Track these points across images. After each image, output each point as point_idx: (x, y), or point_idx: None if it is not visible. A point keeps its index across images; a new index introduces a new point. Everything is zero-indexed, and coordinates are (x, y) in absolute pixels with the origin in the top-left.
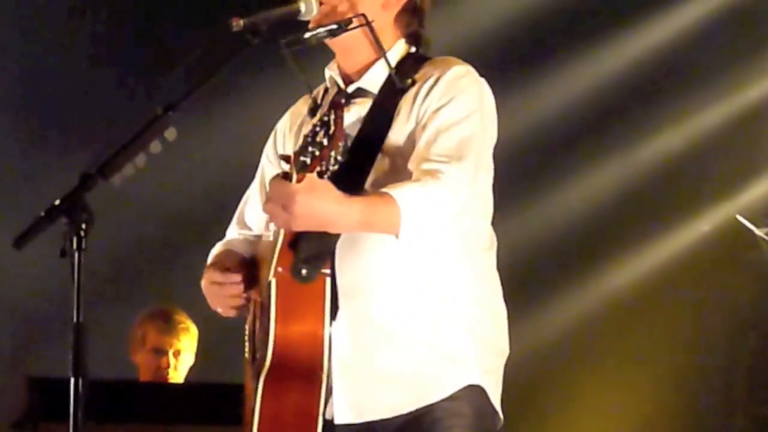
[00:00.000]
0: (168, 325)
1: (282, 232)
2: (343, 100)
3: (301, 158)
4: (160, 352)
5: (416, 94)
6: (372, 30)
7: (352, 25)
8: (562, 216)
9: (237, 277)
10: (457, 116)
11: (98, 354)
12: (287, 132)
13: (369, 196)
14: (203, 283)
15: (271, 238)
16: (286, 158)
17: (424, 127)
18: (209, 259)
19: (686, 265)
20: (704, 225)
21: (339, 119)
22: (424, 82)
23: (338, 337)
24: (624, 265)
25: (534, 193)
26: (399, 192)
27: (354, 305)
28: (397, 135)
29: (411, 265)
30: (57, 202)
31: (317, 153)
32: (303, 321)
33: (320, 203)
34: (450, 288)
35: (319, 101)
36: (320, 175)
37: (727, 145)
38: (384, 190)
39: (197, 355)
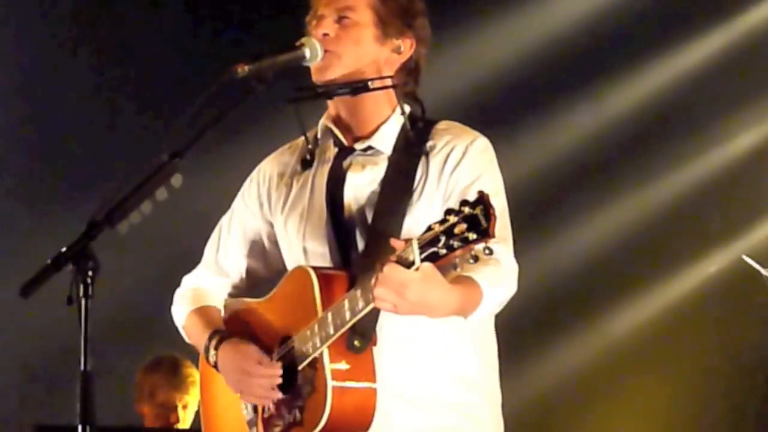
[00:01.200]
0: (177, 380)
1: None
2: (482, 194)
3: (433, 248)
4: (170, 407)
5: (443, 163)
6: (397, 92)
7: (375, 85)
8: (568, 259)
9: (276, 371)
10: (491, 192)
11: (106, 401)
12: (273, 181)
13: (462, 284)
14: (223, 358)
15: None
16: (406, 240)
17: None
18: (184, 316)
19: (692, 307)
20: (710, 266)
21: (493, 217)
22: (450, 151)
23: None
24: (629, 307)
25: (539, 236)
26: (481, 279)
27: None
28: (423, 200)
29: (422, 331)
30: (63, 249)
31: (456, 245)
32: (357, 393)
33: (431, 293)
34: (461, 350)
35: (311, 153)
36: (454, 267)
37: (731, 187)
38: (470, 275)
39: None
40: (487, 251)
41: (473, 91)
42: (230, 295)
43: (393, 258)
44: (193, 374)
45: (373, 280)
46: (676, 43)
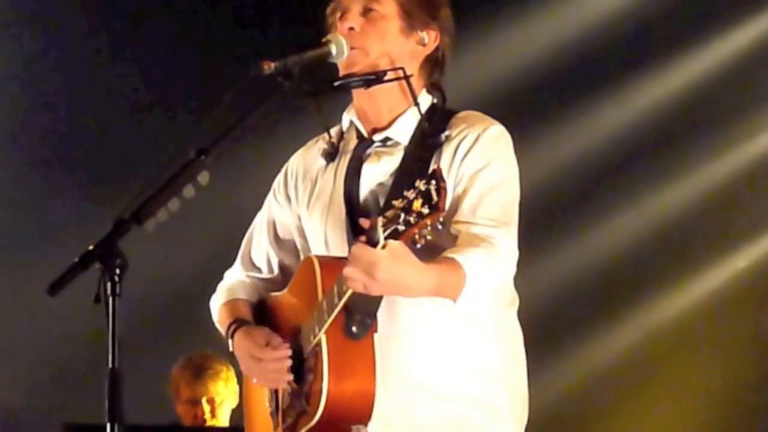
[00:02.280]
0: (196, 375)
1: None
2: (435, 168)
3: (394, 225)
4: (194, 402)
5: (455, 151)
6: (409, 84)
7: (389, 77)
8: (598, 255)
9: (283, 353)
10: (498, 179)
11: (134, 400)
12: (300, 176)
13: (440, 263)
14: (236, 345)
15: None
16: (370, 223)
17: (465, 187)
18: (217, 309)
19: (722, 302)
20: (740, 261)
21: (443, 191)
22: (462, 139)
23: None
24: (659, 304)
25: (568, 233)
26: (465, 258)
27: (390, 361)
28: None
29: (443, 322)
30: (91, 248)
31: (413, 221)
32: (355, 378)
33: (402, 270)
34: (482, 342)
35: (335, 146)
36: (413, 243)
37: (758, 183)
38: (450, 255)
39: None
40: (439, 226)
41: (494, 89)
42: (267, 291)
43: (362, 238)
44: (215, 367)
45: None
46: (701, 39)
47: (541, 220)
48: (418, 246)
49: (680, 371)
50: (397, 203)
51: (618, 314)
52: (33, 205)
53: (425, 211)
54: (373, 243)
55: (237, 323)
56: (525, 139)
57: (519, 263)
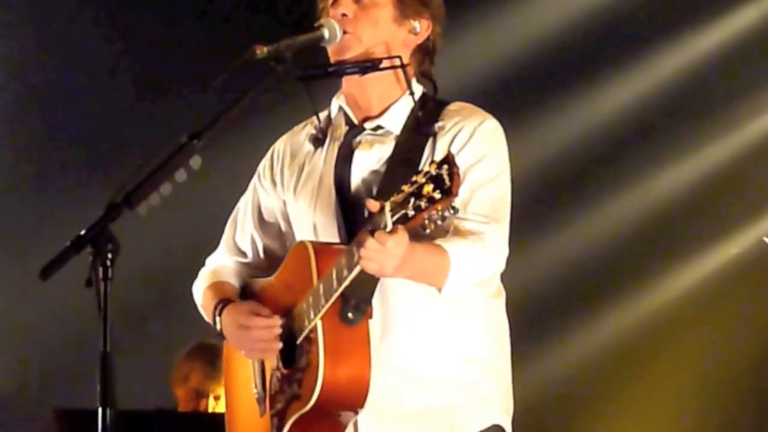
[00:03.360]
0: (213, 370)
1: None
2: (448, 153)
3: (403, 210)
4: (202, 395)
5: (450, 143)
6: (406, 73)
7: (384, 65)
8: (587, 245)
9: (273, 321)
10: (491, 174)
11: (126, 384)
12: (286, 160)
13: (426, 245)
14: (224, 321)
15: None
16: (379, 206)
17: None
18: (201, 293)
19: (715, 288)
20: (733, 248)
21: (456, 176)
22: (458, 132)
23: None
24: (651, 291)
25: (556, 223)
26: (451, 247)
27: (379, 348)
28: None
29: (432, 310)
30: (83, 232)
31: (423, 206)
32: (350, 364)
33: (403, 252)
34: (471, 331)
35: (323, 132)
36: (423, 228)
37: (750, 170)
38: (438, 242)
39: None
40: (451, 210)
41: (483, 78)
42: (250, 276)
43: (369, 225)
44: None
45: (355, 247)
46: (691, 26)
47: (530, 209)
48: (427, 231)
49: (672, 359)
50: (405, 187)
51: (609, 302)
52: (25, 190)
53: (437, 195)
54: (379, 226)
55: (224, 302)
56: (513, 127)
57: (509, 252)
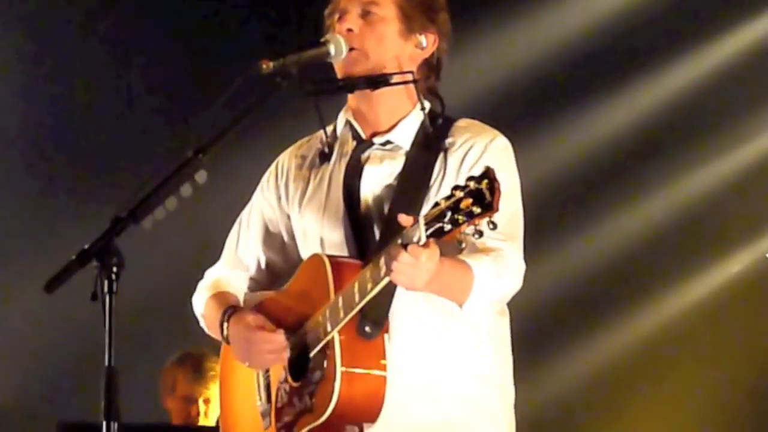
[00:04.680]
0: (198, 374)
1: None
2: (488, 168)
3: (438, 224)
4: (190, 400)
5: (462, 159)
6: (417, 88)
7: (395, 80)
8: (590, 258)
9: (279, 337)
10: (504, 191)
11: (130, 398)
12: (291, 174)
13: (451, 260)
14: (232, 328)
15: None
16: (411, 220)
17: None
18: (203, 303)
19: (716, 306)
20: (733, 266)
21: (497, 191)
22: (470, 148)
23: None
24: (652, 308)
25: (562, 236)
26: (475, 264)
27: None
28: (440, 195)
29: (439, 325)
30: (88, 246)
31: (461, 220)
32: (367, 379)
33: (434, 266)
34: (478, 347)
35: (330, 146)
36: (459, 243)
37: (753, 187)
38: (463, 258)
39: None
40: (491, 225)
41: (494, 89)
42: (250, 289)
43: (399, 238)
44: (216, 369)
45: (382, 260)
46: (699, 42)
47: (537, 224)
48: (463, 245)
49: (675, 375)
50: (442, 202)
51: (611, 318)
52: (30, 203)
53: (477, 210)
54: (411, 240)
55: (233, 309)
56: (518, 142)
57: None
